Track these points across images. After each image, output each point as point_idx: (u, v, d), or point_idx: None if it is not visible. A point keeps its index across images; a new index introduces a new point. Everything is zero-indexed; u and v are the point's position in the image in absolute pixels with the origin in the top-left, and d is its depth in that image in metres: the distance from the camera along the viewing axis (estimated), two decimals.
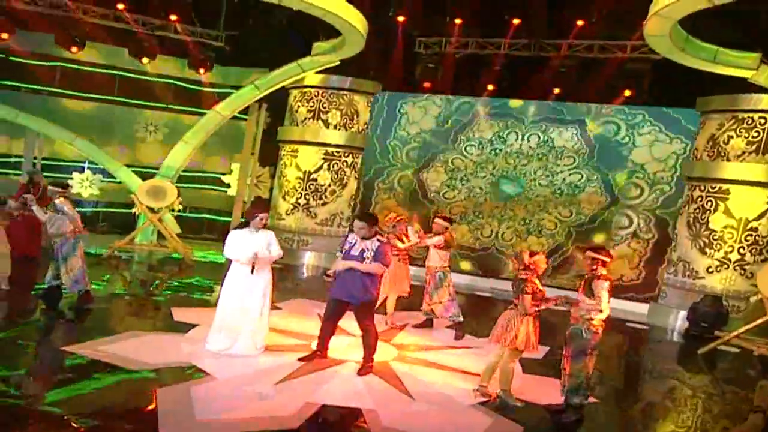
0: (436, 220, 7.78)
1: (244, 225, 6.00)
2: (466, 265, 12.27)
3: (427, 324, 7.96)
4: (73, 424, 4.19)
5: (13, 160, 12.82)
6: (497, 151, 12.16)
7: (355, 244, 5.77)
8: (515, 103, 12.12)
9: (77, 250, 6.99)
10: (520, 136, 12.04)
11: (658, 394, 6.77)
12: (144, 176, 12.67)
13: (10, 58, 12.46)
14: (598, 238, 11.44)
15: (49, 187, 7.19)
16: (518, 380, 5.84)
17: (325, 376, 5.65)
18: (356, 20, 10.09)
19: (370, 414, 4.91)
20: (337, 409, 5.04)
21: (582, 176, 11.70)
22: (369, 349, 5.91)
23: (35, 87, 12.86)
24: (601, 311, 5.05)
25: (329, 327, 6.04)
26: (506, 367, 5.48)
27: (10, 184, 11.44)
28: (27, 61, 12.56)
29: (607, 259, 5.22)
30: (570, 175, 11.77)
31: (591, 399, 5.50)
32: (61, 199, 6.98)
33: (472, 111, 12.31)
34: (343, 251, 5.86)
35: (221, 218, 14.24)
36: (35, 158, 12.45)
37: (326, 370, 5.83)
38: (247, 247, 5.78)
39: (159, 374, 5.32)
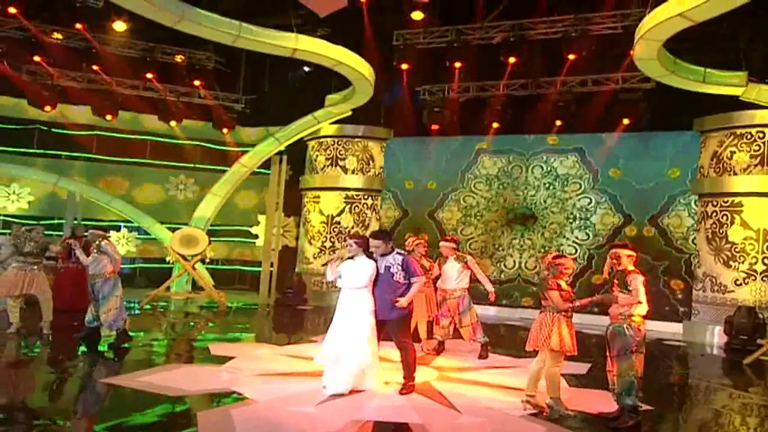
0: (442, 244, 7.17)
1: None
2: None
3: (441, 348, 7.20)
4: None
5: (55, 221, 12.65)
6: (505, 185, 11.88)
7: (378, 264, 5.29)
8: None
9: (116, 290, 6.64)
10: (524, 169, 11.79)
11: (713, 402, 6.11)
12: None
13: (53, 129, 12.51)
14: None
15: (90, 231, 6.97)
16: (564, 393, 5.20)
17: (367, 397, 5.09)
18: (364, 69, 10.07)
19: (417, 428, 4.35)
20: (384, 425, 4.49)
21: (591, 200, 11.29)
22: (409, 367, 5.35)
23: (75, 154, 12.84)
24: (640, 302, 4.59)
25: None
26: (551, 373, 4.90)
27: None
28: (67, 131, 12.58)
29: (632, 253, 4.84)
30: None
31: (645, 406, 4.88)
32: (106, 241, 6.78)
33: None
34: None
35: (251, 269, 13.88)
36: (75, 219, 12.29)
37: (368, 391, 5.25)
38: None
39: (198, 400, 4.86)
